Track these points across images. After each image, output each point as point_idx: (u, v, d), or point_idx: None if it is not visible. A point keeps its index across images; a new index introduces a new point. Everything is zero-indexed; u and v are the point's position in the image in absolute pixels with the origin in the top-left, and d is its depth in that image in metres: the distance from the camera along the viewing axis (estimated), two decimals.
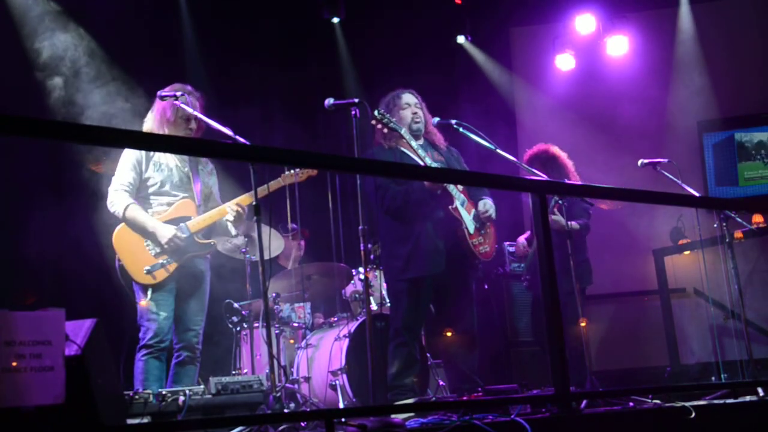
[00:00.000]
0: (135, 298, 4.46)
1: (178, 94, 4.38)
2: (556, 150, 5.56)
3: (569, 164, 5.57)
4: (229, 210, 4.57)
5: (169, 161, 4.61)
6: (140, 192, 4.55)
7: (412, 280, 4.55)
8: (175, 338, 4.53)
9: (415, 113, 4.76)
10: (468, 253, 4.61)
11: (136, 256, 4.44)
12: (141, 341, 4.39)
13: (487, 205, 4.72)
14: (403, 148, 4.73)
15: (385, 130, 4.62)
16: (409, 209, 4.55)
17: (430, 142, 4.81)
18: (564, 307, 5.79)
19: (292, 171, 4.75)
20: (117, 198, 4.48)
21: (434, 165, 4.61)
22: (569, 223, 5.06)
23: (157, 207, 4.55)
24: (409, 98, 4.81)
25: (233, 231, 4.69)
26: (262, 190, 4.41)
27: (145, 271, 4.41)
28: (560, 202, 4.94)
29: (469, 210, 4.66)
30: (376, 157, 4.67)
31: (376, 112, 4.56)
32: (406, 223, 4.59)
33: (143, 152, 4.54)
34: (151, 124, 4.58)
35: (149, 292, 4.40)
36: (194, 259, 4.57)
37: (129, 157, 4.55)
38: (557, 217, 5.08)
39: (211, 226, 4.63)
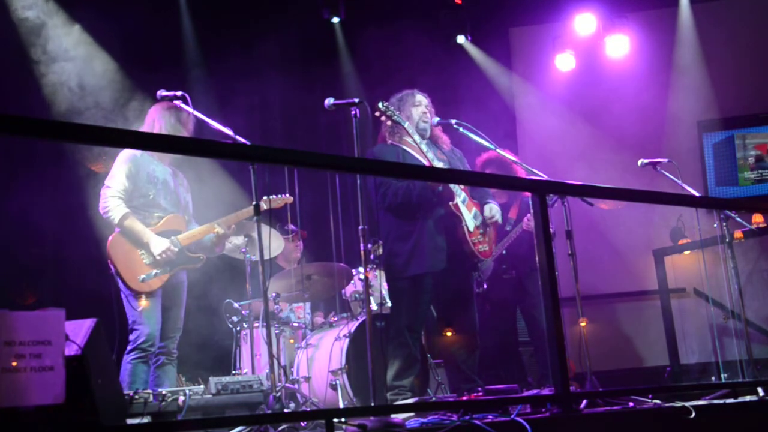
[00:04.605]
0: (128, 303, 4.52)
1: (179, 94, 4.38)
2: (506, 154, 5.40)
3: (519, 168, 5.52)
4: (217, 227, 4.71)
5: (159, 175, 4.70)
6: (132, 201, 4.60)
7: (413, 278, 4.55)
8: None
9: (425, 113, 4.81)
10: (467, 251, 4.61)
11: (131, 264, 4.53)
12: (132, 344, 4.46)
13: (493, 210, 4.74)
14: (405, 147, 4.74)
15: (389, 123, 4.66)
16: (411, 205, 4.56)
17: (433, 142, 4.83)
18: (535, 308, 5.84)
19: (271, 197, 4.83)
20: (113, 205, 4.52)
21: (437, 162, 4.61)
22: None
23: (148, 219, 4.62)
24: (421, 98, 4.87)
25: (215, 249, 4.81)
26: (232, 218, 4.68)
27: (140, 279, 4.50)
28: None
29: (469, 208, 4.65)
30: (379, 154, 4.69)
31: (380, 104, 4.62)
32: (408, 220, 4.59)
33: (140, 163, 4.63)
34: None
35: (143, 299, 4.48)
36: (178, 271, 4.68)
37: (125, 164, 4.60)
38: None
39: (198, 241, 4.74)
